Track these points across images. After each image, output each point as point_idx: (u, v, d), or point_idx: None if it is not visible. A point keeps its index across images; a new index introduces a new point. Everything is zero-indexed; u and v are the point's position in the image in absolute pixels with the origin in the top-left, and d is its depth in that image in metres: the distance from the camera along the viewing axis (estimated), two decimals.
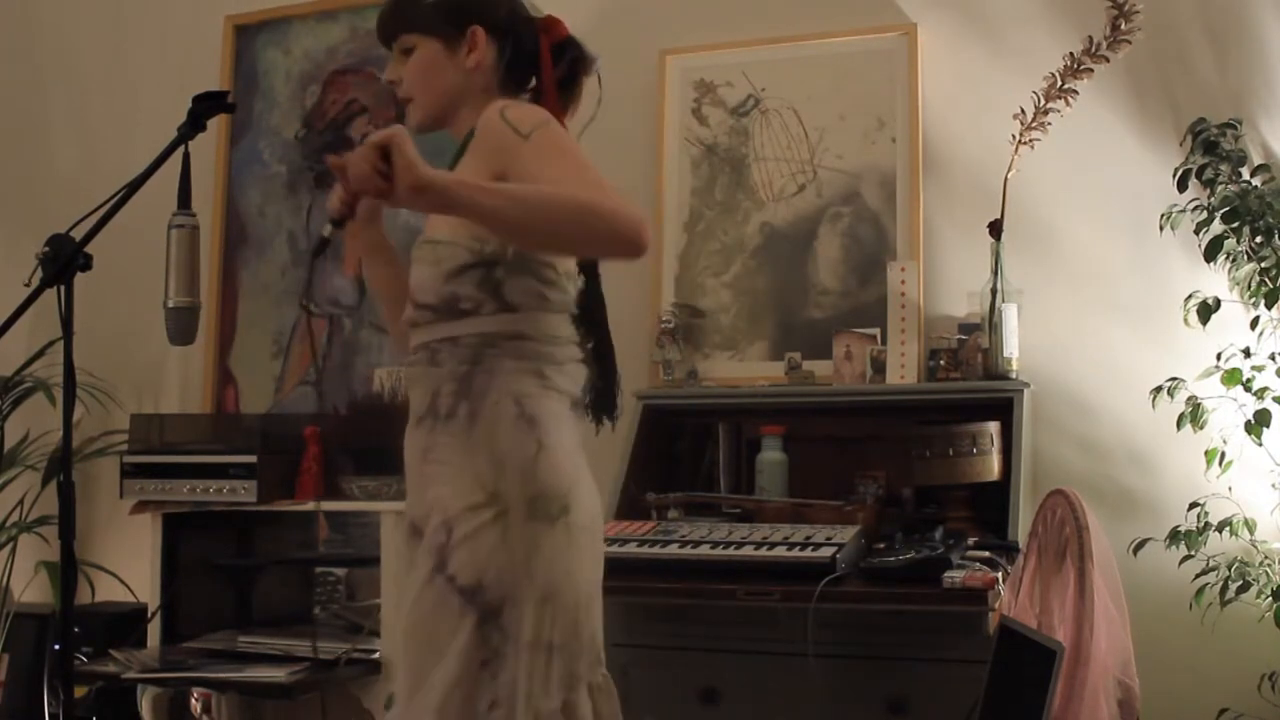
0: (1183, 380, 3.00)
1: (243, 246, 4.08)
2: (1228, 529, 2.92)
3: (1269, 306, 2.92)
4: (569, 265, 1.99)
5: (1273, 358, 2.94)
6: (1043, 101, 3.11)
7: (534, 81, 2.11)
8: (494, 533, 1.86)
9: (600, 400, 2.08)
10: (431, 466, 1.93)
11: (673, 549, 2.84)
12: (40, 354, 3.89)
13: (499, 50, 2.07)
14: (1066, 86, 3.09)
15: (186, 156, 2.49)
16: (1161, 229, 3.07)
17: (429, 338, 1.96)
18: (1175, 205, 3.06)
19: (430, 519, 1.91)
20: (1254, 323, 2.95)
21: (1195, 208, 3.03)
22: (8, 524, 3.90)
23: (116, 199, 2.23)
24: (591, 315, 2.05)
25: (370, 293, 2.16)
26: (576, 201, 1.75)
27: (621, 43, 3.64)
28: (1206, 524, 2.93)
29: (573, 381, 1.99)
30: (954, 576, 2.61)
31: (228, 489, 3.33)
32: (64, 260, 2.14)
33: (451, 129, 2.11)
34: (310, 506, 3.39)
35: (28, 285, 2.18)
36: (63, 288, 2.15)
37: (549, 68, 2.07)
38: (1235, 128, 3.04)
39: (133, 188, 2.25)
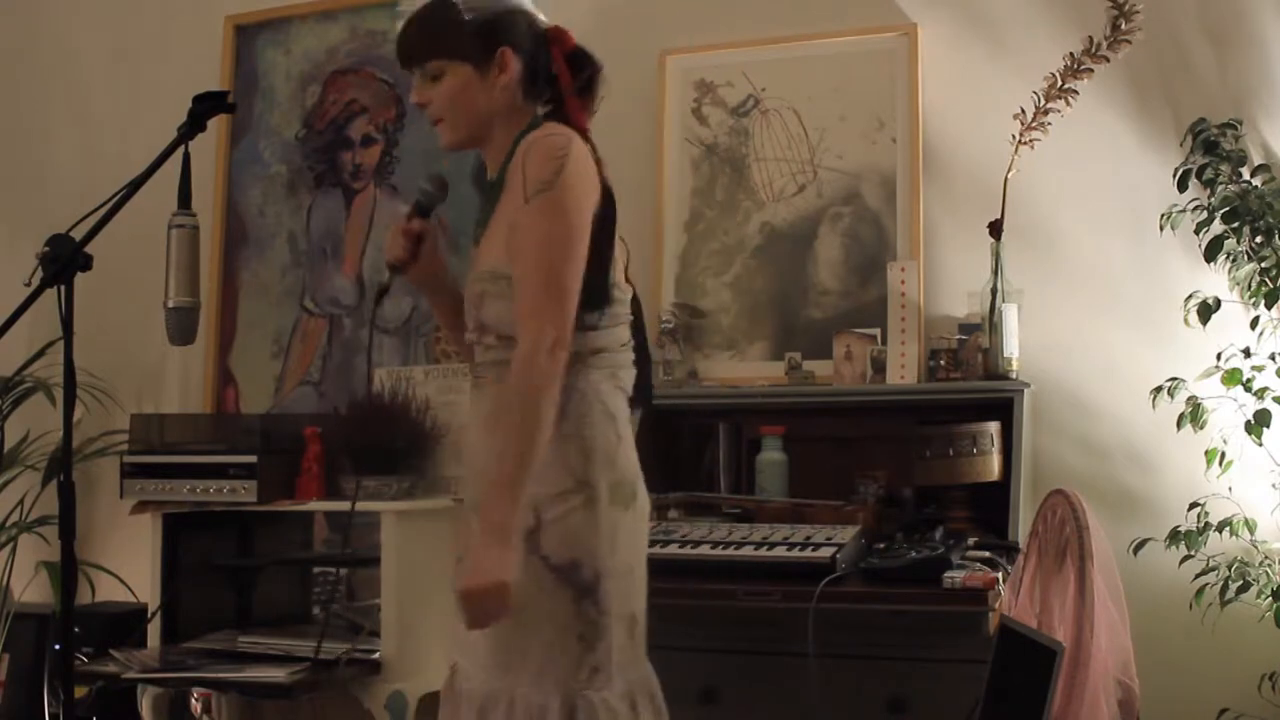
0: (1183, 380, 3.00)
1: (243, 246, 4.08)
2: (1228, 529, 2.93)
3: (1269, 306, 2.92)
4: (621, 277, 2.13)
5: (1273, 358, 2.94)
6: (1043, 101, 3.12)
7: (549, 91, 2.19)
8: (584, 516, 2.02)
9: (639, 393, 2.21)
10: None
11: (673, 549, 2.84)
12: (40, 354, 3.89)
13: (523, 67, 2.14)
14: (1066, 86, 3.09)
15: (186, 156, 2.49)
16: (1161, 229, 3.07)
17: (507, 356, 2.03)
18: (1175, 205, 3.06)
19: None
20: (1254, 323, 2.95)
21: (1195, 208, 3.03)
22: (8, 524, 3.90)
23: (116, 199, 2.23)
24: (637, 319, 2.21)
25: (420, 290, 2.35)
26: (524, 407, 1.95)
27: (621, 43, 3.63)
28: (1206, 524, 2.93)
29: (630, 379, 2.16)
30: (954, 576, 2.61)
31: (228, 489, 3.33)
32: (64, 260, 2.15)
33: (484, 148, 2.19)
34: (310, 506, 3.39)
35: (28, 285, 2.18)
36: (63, 288, 2.15)
37: (566, 78, 2.15)
38: (1235, 128, 3.04)
39: (133, 188, 2.25)
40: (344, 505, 3.40)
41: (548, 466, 2.00)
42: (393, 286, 2.23)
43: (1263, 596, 2.87)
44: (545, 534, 2.01)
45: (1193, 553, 2.93)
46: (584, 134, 2.11)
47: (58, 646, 3.70)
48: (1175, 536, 2.94)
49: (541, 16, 2.20)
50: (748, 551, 2.80)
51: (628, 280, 2.17)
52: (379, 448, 3.33)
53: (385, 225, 3.89)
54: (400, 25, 2.20)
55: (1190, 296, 3.01)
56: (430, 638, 3.18)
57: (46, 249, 2.17)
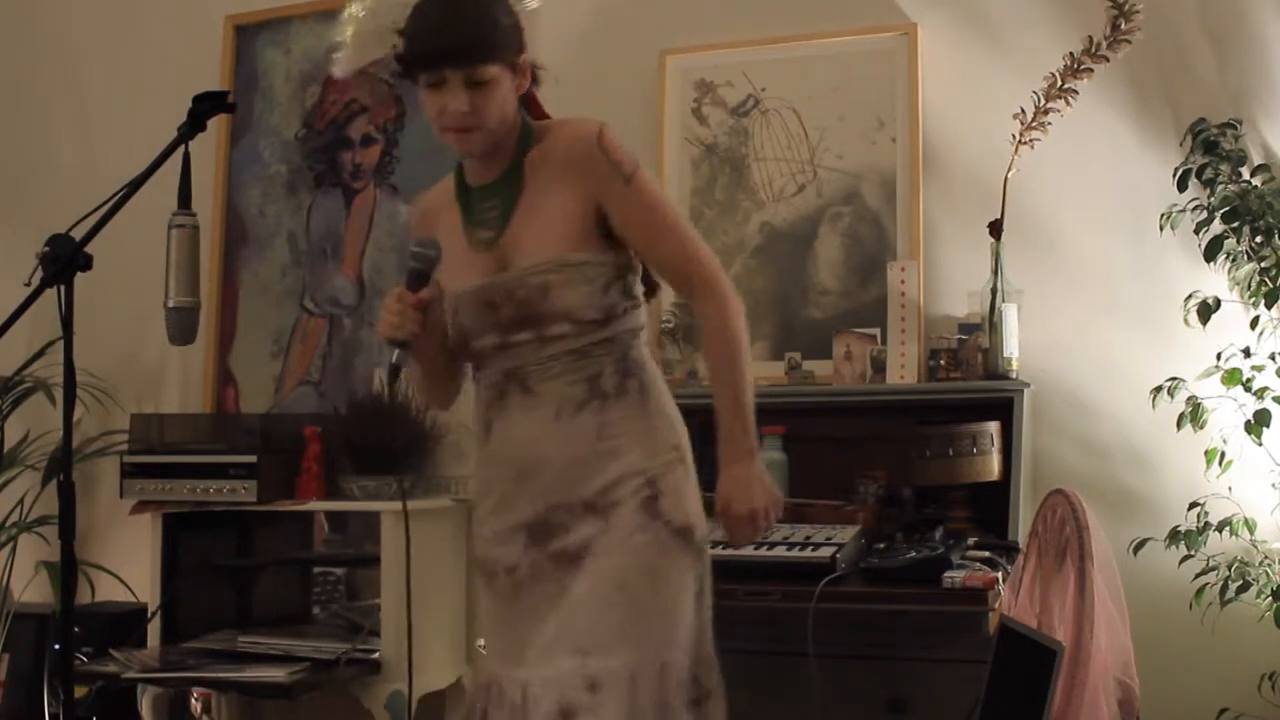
0: (1183, 380, 3.00)
1: (243, 246, 4.08)
2: (1228, 529, 2.92)
3: (1269, 306, 2.92)
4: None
5: (1273, 358, 2.94)
6: (1043, 101, 3.12)
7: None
8: (686, 480, 2.13)
9: None
10: (609, 442, 2.08)
11: None
12: (40, 354, 3.89)
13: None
14: (1066, 86, 3.09)
15: (186, 156, 2.49)
16: (1161, 229, 3.07)
17: (580, 344, 2.09)
18: (1175, 205, 3.06)
19: (627, 484, 2.07)
20: (1254, 323, 2.95)
21: (1195, 208, 3.03)
22: (8, 524, 3.90)
23: (116, 199, 2.23)
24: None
25: (417, 361, 2.18)
26: (737, 333, 2.14)
27: (621, 43, 3.64)
28: (1206, 524, 2.93)
29: None
30: (954, 576, 2.61)
31: (228, 489, 3.33)
32: (64, 260, 2.14)
33: (489, 153, 2.16)
34: (310, 506, 3.39)
35: (28, 285, 2.18)
36: (63, 288, 2.15)
37: (528, 78, 2.15)
38: (1235, 128, 3.04)
39: (133, 188, 2.25)
40: (344, 505, 3.40)
41: (645, 439, 2.10)
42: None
43: (1263, 596, 2.87)
44: (664, 500, 2.07)
45: (1193, 553, 2.93)
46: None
47: (58, 646, 3.70)
48: (1175, 536, 2.94)
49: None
50: (748, 551, 2.80)
51: None
52: (379, 448, 3.33)
53: (385, 225, 3.89)
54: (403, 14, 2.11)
55: (1190, 296, 3.01)
56: (430, 638, 3.18)
57: (46, 249, 2.17)
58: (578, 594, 2.04)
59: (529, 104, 2.20)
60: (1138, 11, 3.01)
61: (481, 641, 2.25)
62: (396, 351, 2.07)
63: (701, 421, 3.31)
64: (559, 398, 2.08)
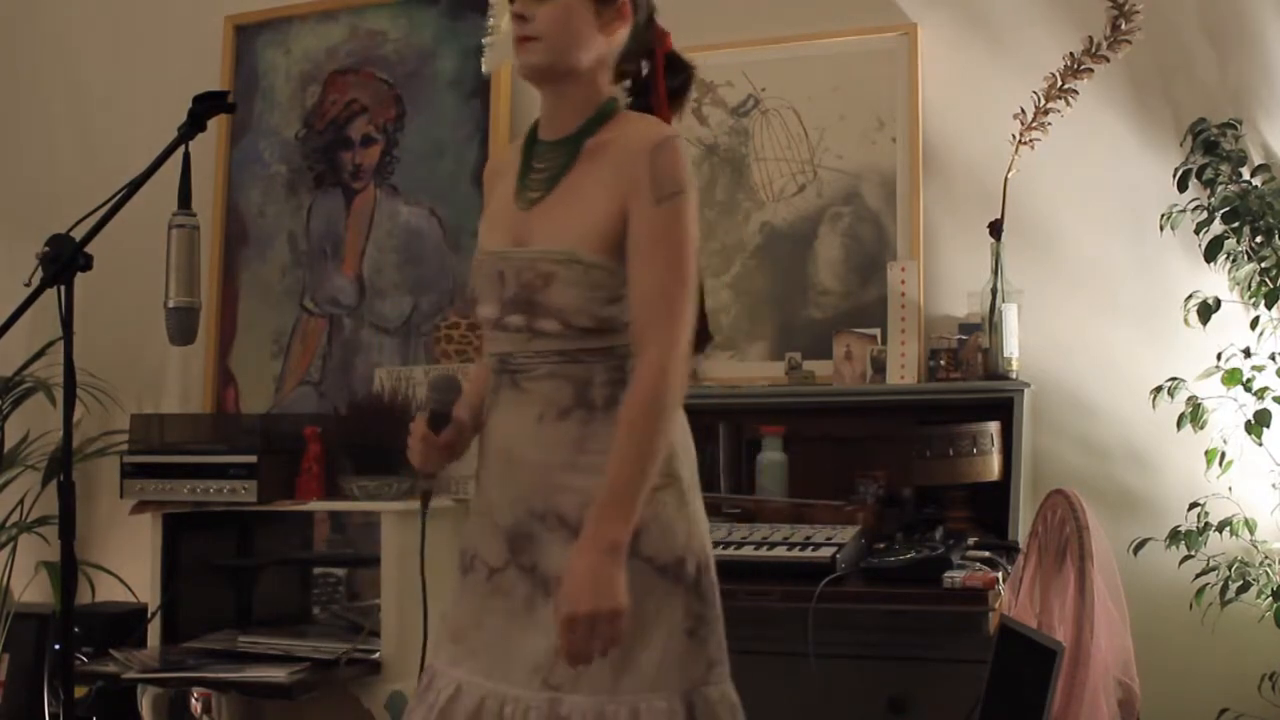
0: (1183, 380, 3.00)
1: (243, 246, 4.08)
2: (1228, 529, 2.93)
3: (1269, 306, 2.92)
4: None
5: (1273, 358, 2.94)
6: (1043, 101, 3.12)
7: (631, 83, 2.11)
8: (677, 508, 1.95)
9: None
10: (592, 457, 1.91)
11: None
12: (40, 354, 3.89)
13: (629, 33, 2.05)
14: (1066, 86, 3.09)
15: (187, 156, 2.49)
16: (1161, 229, 3.07)
17: (571, 347, 1.95)
18: (1175, 205, 3.06)
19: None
20: (1254, 323, 2.95)
21: (1195, 208, 3.03)
22: (8, 524, 3.90)
23: (116, 199, 2.23)
24: None
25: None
26: (656, 404, 1.87)
27: None
28: (1206, 524, 2.93)
29: None
30: (954, 576, 2.61)
31: (228, 489, 3.33)
32: (64, 260, 2.15)
33: (555, 86, 2.01)
34: (310, 506, 3.39)
35: (28, 285, 2.18)
36: (63, 288, 2.15)
37: (663, 77, 2.09)
38: (1235, 128, 3.05)
39: (133, 188, 2.25)
40: (344, 505, 3.40)
41: None
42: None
43: (1263, 596, 2.87)
44: (644, 535, 1.89)
45: (1193, 553, 2.93)
46: None
47: (58, 646, 3.70)
48: (1175, 536, 2.94)
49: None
50: (748, 551, 2.80)
51: None
52: (379, 448, 3.33)
53: (385, 225, 3.89)
54: None
55: (1190, 296, 3.01)
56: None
57: (46, 249, 2.17)
58: (549, 625, 1.88)
59: (655, 105, 2.08)
60: (1138, 11, 3.01)
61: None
62: (427, 480, 2.09)
63: (703, 423, 3.33)
64: (545, 399, 1.95)
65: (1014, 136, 3.14)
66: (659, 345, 1.88)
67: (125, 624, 3.65)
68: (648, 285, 1.91)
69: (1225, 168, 3.00)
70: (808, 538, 2.83)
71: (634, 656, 1.88)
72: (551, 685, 1.90)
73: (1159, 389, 3.01)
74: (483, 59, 2.40)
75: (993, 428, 2.98)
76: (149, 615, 3.44)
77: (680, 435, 1.99)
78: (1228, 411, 2.98)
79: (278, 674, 3.05)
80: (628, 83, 2.10)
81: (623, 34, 2.03)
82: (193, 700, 3.52)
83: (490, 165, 2.26)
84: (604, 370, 1.95)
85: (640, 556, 1.89)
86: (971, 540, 2.84)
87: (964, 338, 3.20)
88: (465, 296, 2.00)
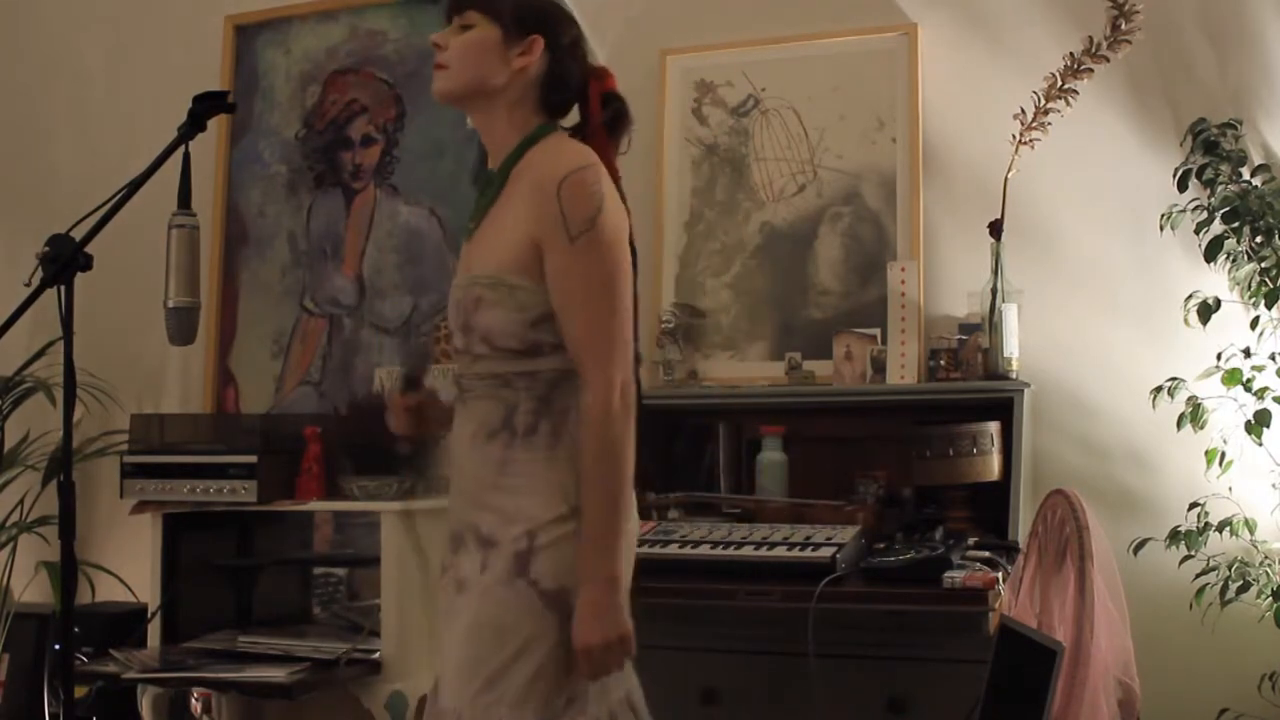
0: (1183, 380, 3.00)
1: (243, 246, 4.08)
2: (1228, 529, 2.92)
3: (1269, 306, 2.92)
4: None
5: (1273, 358, 2.94)
6: (1043, 101, 3.12)
7: (575, 118, 2.19)
8: (575, 543, 1.98)
9: None
10: (511, 479, 2.02)
11: (673, 549, 2.84)
12: (40, 354, 3.89)
13: (547, 70, 2.12)
14: (1066, 86, 3.09)
15: (187, 156, 2.49)
16: (1161, 229, 3.07)
17: (502, 369, 2.04)
18: (1175, 205, 3.06)
19: (509, 527, 2.00)
20: (1254, 323, 2.95)
21: (1195, 208, 3.03)
22: (8, 524, 3.90)
23: (117, 199, 2.23)
24: None
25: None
26: (615, 442, 1.96)
27: (621, 43, 3.64)
28: (1206, 524, 2.93)
29: None
30: (954, 576, 2.61)
31: (228, 489, 3.33)
32: (64, 260, 2.14)
33: (471, 112, 2.17)
34: (310, 506, 3.39)
35: (28, 285, 2.18)
36: (63, 288, 2.15)
37: (597, 113, 2.15)
38: (1235, 128, 3.04)
39: (133, 188, 2.25)
40: (344, 505, 3.40)
41: (542, 489, 2.00)
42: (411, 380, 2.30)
43: (1263, 596, 2.87)
44: (537, 559, 1.98)
45: (1193, 553, 2.93)
46: (615, 176, 2.09)
47: (58, 646, 3.70)
48: (1175, 536, 2.94)
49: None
50: (748, 551, 2.80)
51: None
52: (379, 448, 3.33)
53: (385, 225, 3.89)
54: None
55: (1190, 296, 3.01)
56: (430, 638, 3.18)
57: (46, 249, 2.17)
58: (446, 625, 2.07)
59: (590, 138, 2.14)
60: (1138, 11, 3.01)
61: None
62: (404, 444, 2.23)
63: (703, 423, 3.34)
64: (479, 419, 2.06)
65: (1014, 136, 3.14)
66: (596, 389, 1.96)
67: (125, 624, 3.65)
68: (579, 325, 1.99)
69: (1225, 168, 3.00)
70: (808, 538, 2.83)
71: (504, 675, 1.97)
72: (438, 678, 2.05)
73: (1159, 389, 3.01)
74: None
75: (993, 428, 2.98)
76: (149, 615, 3.44)
77: None
78: (1228, 411, 2.98)
79: (278, 674, 3.05)
80: (564, 117, 2.19)
81: (534, 67, 2.11)
82: (193, 700, 3.52)
83: None
84: (528, 398, 2.03)
85: (528, 578, 1.98)
86: (971, 540, 2.84)
87: (964, 338, 3.20)
88: None
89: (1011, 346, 3.13)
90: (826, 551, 2.73)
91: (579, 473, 1.99)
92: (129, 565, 3.89)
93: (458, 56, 2.10)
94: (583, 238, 1.97)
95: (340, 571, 3.70)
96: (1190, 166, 3.03)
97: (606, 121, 2.15)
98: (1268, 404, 2.90)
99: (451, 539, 2.11)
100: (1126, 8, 3.01)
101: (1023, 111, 3.14)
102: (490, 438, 2.04)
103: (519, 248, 2.01)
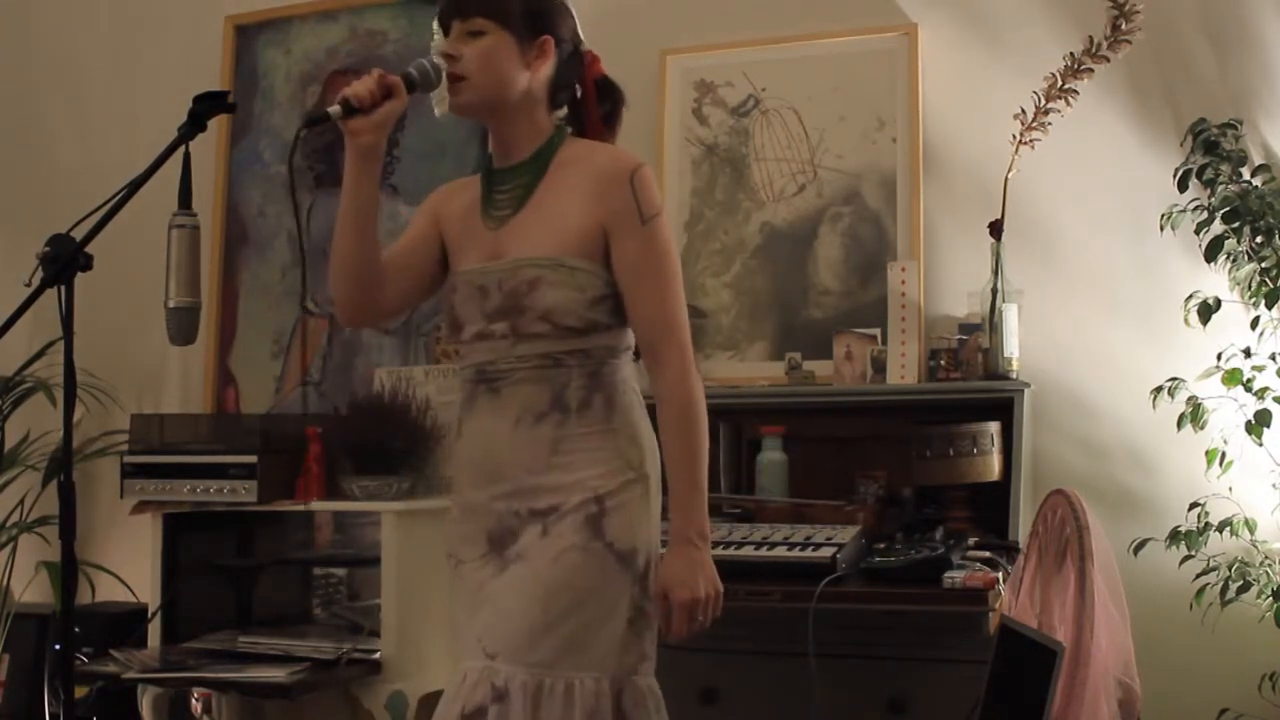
0: (1183, 380, 3.00)
1: (243, 246, 4.08)
2: (1228, 529, 2.92)
3: (1269, 306, 2.92)
4: None
5: (1273, 358, 2.94)
6: (1043, 101, 3.12)
7: (567, 109, 2.23)
8: (641, 504, 2.08)
9: None
10: (566, 456, 2.07)
11: None
12: (40, 354, 3.89)
13: (555, 68, 2.16)
14: (1067, 86, 3.09)
15: (187, 156, 2.49)
16: (1162, 229, 3.07)
17: (556, 348, 2.08)
18: (1175, 205, 3.06)
19: (573, 495, 2.05)
20: (1254, 323, 2.95)
21: (1195, 208, 3.03)
22: (8, 524, 3.90)
23: (117, 199, 2.23)
24: None
25: (346, 210, 2.31)
26: (698, 410, 2.08)
27: (621, 43, 3.63)
28: (1207, 524, 2.93)
29: None
30: (954, 576, 2.61)
31: (228, 489, 3.33)
32: (64, 260, 2.14)
33: (492, 120, 2.17)
34: (310, 506, 3.39)
35: (28, 285, 2.18)
36: (63, 288, 2.15)
37: (594, 102, 2.22)
38: (1235, 128, 3.04)
39: (133, 188, 2.24)
40: (344, 505, 3.41)
41: (604, 459, 2.07)
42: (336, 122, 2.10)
43: (1263, 596, 2.87)
44: (609, 520, 2.04)
45: (1193, 553, 2.93)
46: None
47: (58, 646, 3.70)
48: (1175, 536, 2.94)
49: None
50: (748, 551, 2.80)
51: None
52: (379, 448, 3.33)
53: (385, 225, 3.89)
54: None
55: (1190, 296, 3.01)
56: (430, 638, 3.18)
57: (46, 249, 2.17)
58: (495, 594, 2.06)
59: (585, 125, 2.23)
60: (1138, 11, 3.01)
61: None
62: (335, 108, 2.05)
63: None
64: (522, 405, 2.08)
65: (1014, 136, 3.14)
66: (674, 360, 2.08)
67: (125, 624, 3.65)
68: (650, 304, 2.09)
69: (1225, 168, 3.00)
70: (808, 538, 2.83)
71: (582, 635, 2.01)
72: (489, 654, 2.02)
73: (1159, 389, 3.01)
74: (434, 105, 2.59)
75: (993, 428, 2.98)
76: (149, 615, 3.44)
77: (648, 440, 2.13)
78: (1228, 411, 2.98)
79: (278, 674, 3.05)
80: (564, 110, 2.23)
81: (547, 68, 2.14)
82: (193, 700, 3.52)
83: (442, 186, 2.36)
84: (580, 374, 2.09)
85: (603, 540, 2.04)
86: (971, 540, 2.84)
87: (964, 338, 3.20)
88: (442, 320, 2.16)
89: (1011, 346, 3.13)
90: (827, 551, 2.73)
91: (640, 440, 2.10)
92: (129, 565, 3.89)
93: (478, 68, 2.09)
94: (651, 222, 2.09)
95: (340, 571, 3.69)
96: (1190, 166, 3.03)
97: (605, 114, 2.22)
98: (1268, 404, 2.90)
99: (488, 538, 2.09)
100: (1126, 8, 3.01)
101: (1023, 111, 3.14)
102: (539, 420, 2.07)
103: (583, 233, 2.08)
